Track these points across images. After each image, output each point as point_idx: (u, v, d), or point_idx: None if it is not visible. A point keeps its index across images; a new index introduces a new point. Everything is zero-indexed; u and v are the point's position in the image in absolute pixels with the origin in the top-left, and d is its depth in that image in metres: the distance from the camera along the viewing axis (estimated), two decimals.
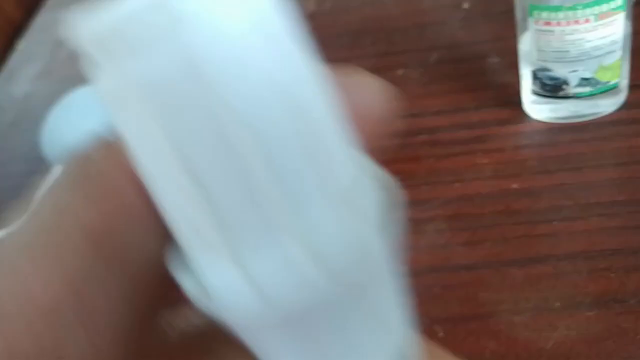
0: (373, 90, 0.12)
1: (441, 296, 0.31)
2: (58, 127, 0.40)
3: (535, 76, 0.34)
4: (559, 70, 0.33)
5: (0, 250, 0.11)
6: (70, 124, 0.40)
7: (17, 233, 0.11)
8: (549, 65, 0.33)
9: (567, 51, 0.32)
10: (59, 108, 0.41)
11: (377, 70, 0.46)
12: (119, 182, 0.11)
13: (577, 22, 0.31)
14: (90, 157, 0.11)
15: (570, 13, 0.31)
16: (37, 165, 0.45)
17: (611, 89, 0.34)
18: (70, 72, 0.55)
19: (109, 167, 0.11)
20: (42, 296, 0.10)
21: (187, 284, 0.10)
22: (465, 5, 0.45)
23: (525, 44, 0.34)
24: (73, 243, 0.10)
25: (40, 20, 0.63)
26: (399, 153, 0.38)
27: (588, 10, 0.31)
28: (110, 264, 0.10)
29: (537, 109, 0.36)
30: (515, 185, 0.34)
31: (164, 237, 0.11)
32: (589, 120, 0.35)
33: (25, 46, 0.60)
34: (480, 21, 0.44)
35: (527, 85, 0.35)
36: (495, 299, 0.31)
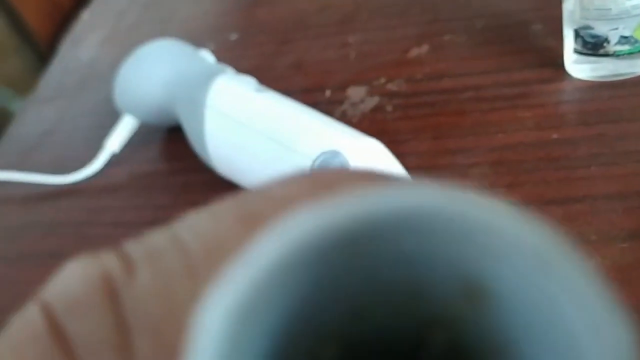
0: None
1: None
2: (130, 78, 0.44)
3: (578, 34, 0.37)
4: (600, 28, 0.36)
5: None
6: (141, 75, 0.43)
7: None
8: (590, 23, 0.36)
9: (609, 9, 0.35)
10: (131, 60, 0.44)
11: (425, 36, 0.49)
12: None
13: None
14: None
15: None
16: (104, 119, 0.49)
17: None
18: (131, 40, 0.59)
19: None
20: None
21: None
22: None
23: (570, 3, 0.36)
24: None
25: None
26: (445, 107, 0.41)
27: None
28: None
29: (578, 68, 0.39)
30: (555, 136, 0.37)
31: None
32: (627, 79, 0.38)
33: (89, 16, 0.64)
34: None
35: (569, 44, 0.38)
36: None
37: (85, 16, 0.64)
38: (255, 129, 0.35)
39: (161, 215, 0.42)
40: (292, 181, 0.09)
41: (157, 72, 0.43)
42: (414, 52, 0.45)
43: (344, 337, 0.07)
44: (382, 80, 0.44)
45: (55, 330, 0.08)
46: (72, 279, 0.09)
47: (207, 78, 0.39)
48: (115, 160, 0.45)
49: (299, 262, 0.06)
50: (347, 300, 0.07)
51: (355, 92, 0.44)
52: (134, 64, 0.44)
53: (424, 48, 0.45)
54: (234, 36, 0.53)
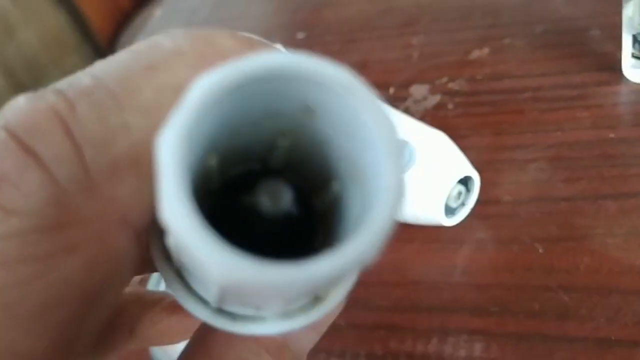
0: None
1: (541, 220, 0.36)
2: None
3: (636, 40, 0.39)
4: None
5: None
6: None
7: None
8: None
9: None
10: None
11: (485, 39, 0.52)
12: (104, 226, 0.10)
13: None
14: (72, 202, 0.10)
15: None
16: None
17: None
18: None
19: (92, 213, 0.10)
20: None
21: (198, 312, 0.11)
22: None
23: (629, 9, 0.38)
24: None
25: None
26: (505, 106, 0.43)
27: None
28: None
29: (636, 72, 0.41)
30: (612, 135, 0.39)
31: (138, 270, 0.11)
32: None
33: (162, 14, 0.68)
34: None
35: (627, 49, 0.40)
36: (590, 224, 0.35)
37: (159, 14, 0.69)
38: None
39: None
40: (180, 36, 0.11)
41: None
42: (475, 54, 0.48)
43: (224, 149, 0.10)
44: (444, 79, 0.46)
45: (25, 147, 0.09)
46: (26, 109, 0.10)
47: None
48: None
49: (218, 99, 0.09)
50: (232, 124, 0.10)
51: (418, 90, 0.46)
52: None
53: (485, 50, 0.48)
54: (301, 35, 0.57)
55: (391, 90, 0.47)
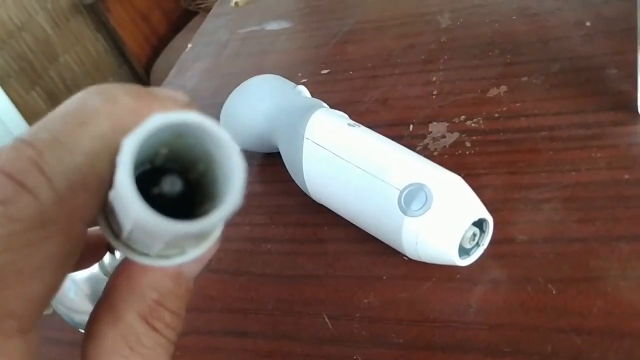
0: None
1: (555, 262, 0.37)
2: (234, 109, 0.50)
3: None
4: None
5: None
6: (245, 107, 0.49)
7: None
8: None
9: None
10: (235, 93, 0.50)
11: (503, 77, 0.53)
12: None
13: None
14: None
15: None
16: None
17: None
18: (230, 71, 0.65)
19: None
20: None
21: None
22: (588, 23, 0.51)
23: None
24: None
25: (206, 26, 0.74)
26: (521, 145, 0.44)
27: None
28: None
29: None
30: (627, 176, 0.39)
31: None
32: None
33: (192, 47, 0.71)
34: (600, 37, 0.49)
35: None
36: (603, 266, 0.36)
37: (190, 47, 0.71)
38: (348, 160, 0.40)
39: (257, 232, 0.47)
40: (95, 97, 0.17)
41: (260, 104, 0.48)
42: (493, 91, 0.49)
43: (167, 159, 0.17)
44: (462, 117, 0.48)
45: (17, 181, 0.15)
46: (12, 157, 0.16)
47: (306, 111, 0.44)
48: None
49: (157, 131, 0.15)
50: (168, 144, 0.16)
51: (437, 128, 0.48)
52: (239, 96, 0.50)
53: (502, 88, 0.49)
54: (325, 70, 0.58)
55: (411, 128, 0.49)
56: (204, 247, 0.19)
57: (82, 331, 0.19)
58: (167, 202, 0.17)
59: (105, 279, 0.38)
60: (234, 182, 0.16)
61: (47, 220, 0.16)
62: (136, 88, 0.18)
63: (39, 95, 1.71)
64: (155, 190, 0.17)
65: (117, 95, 0.17)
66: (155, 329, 0.19)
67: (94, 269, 0.40)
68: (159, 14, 1.71)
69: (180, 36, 1.61)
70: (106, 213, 0.18)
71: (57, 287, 0.17)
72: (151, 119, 0.15)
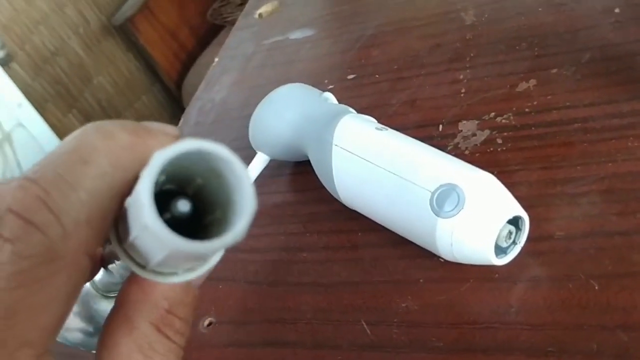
0: None
1: (595, 257, 0.36)
2: (263, 120, 0.50)
3: None
4: None
5: None
6: (273, 117, 0.49)
7: None
8: None
9: None
10: (263, 104, 0.50)
11: (532, 70, 0.52)
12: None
13: None
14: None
15: None
16: (236, 152, 0.56)
17: None
18: (257, 82, 0.65)
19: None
20: None
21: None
22: (617, 10, 0.50)
23: None
24: None
25: (231, 40, 0.75)
26: (554, 139, 0.43)
27: None
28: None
29: None
30: None
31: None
32: None
33: (219, 61, 0.72)
34: (631, 24, 0.48)
35: None
36: None
37: (217, 60, 0.72)
38: (378, 165, 0.40)
39: (292, 242, 0.47)
40: (93, 135, 0.18)
41: (287, 114, 0.48)
42: (522, 86, 0.48)
43: (171, 180, 0.18)
44: (492, 114, 0.47)
45: (26, 220, 0.16)
46: (20, 197, 0.17)
47: (333, 118, 0.44)
48: None
49: (174, 159, 0.16)
50: (176, 170, 0.17)
51: (467, 126, 0.47)
52: (266, 107, 0.50)
53: (532, 82, 0.48)
54: (351, 76, 0.58)
55: (440, 128, 0.48)
56: (199, 271, 0.20)
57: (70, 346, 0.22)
58: (176, 221, 0.18)
59: (97, 295, 0.40)
60: (244, 214, 0.16)
61: (55, 256, 0.17)
62: (131, 124, 0.19)
63: (75, 117, 1.75)
64: (167, 215, 0.18)
65: (114, 132, 0.18)
66: (167, 336, 0.20)
67: (85, 286, 0.41)
68: (187, 31, 1.74)
69: (208, 51, 1.64)
70: (116, 220, 0.19)
71: (67, 315, 0.18)
72: (183, 142, 0.16)
